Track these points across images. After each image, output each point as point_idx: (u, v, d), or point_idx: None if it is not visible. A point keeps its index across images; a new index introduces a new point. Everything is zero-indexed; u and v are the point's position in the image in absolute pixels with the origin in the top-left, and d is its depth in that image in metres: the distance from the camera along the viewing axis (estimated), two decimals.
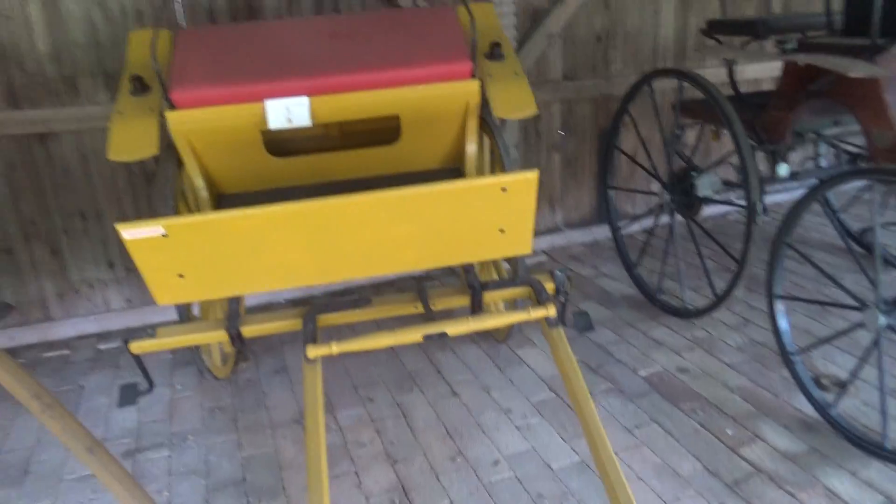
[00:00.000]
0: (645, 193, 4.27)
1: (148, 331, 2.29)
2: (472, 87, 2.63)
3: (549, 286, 2.45)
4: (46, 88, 3.36)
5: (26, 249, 3.55)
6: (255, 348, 3.34)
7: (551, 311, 2.28)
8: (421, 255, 2.23)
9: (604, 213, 4.41)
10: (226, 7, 3.52)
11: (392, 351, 3.21)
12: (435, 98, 2.63)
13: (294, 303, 3.88)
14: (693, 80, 3.05)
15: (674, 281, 3.73)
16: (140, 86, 2.67)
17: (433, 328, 2.21)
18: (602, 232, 4.60)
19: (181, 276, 2.10)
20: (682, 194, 3.36)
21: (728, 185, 3.27)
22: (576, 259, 4.31)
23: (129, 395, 2.39)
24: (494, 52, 2.82)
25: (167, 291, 2.14)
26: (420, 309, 2.40)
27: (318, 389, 2.11)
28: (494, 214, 2.14)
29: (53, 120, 3.37)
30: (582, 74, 4.32)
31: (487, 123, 2.93)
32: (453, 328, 2.22)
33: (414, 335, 2.20)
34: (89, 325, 3.68)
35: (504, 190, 2.07)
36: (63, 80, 3.38)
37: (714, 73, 4.46)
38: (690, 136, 4.08)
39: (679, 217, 3.44)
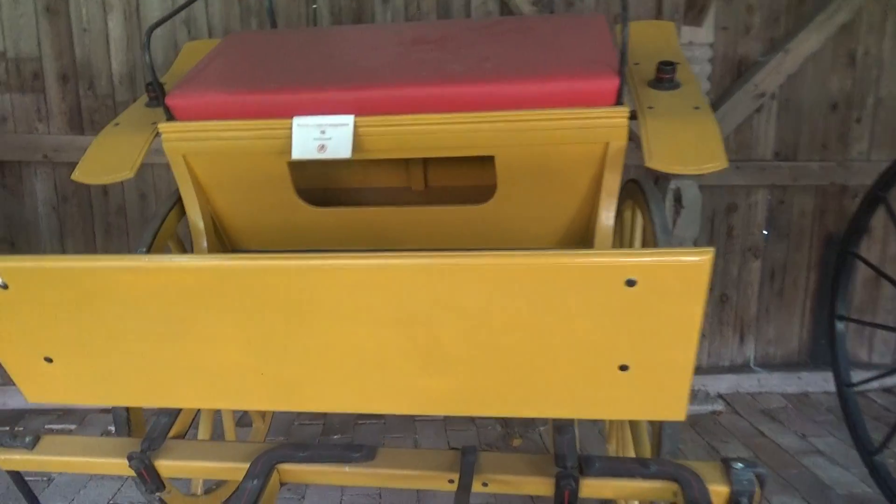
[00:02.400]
0: None
1: (26, 438, 1.44)
2: (615, 116, 1.59)
3: (720, 491, 1.24)
4: (114, 113, 2.86)
5: None
6: None
7: None
8: (461, 394, 1.17)
9: (824, 354, 3.00)
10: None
11: None
12: (551, 131, 1.62)
13: None
14: None
15: None
16: (157, 98, 1.95)
17: None
18: (817, 382, 3.15)
19: (49, 360, 1.23)
20: None
21: None
22: (772, 417, 2.91)
23: None
24: (663, 76, 1.76)
25: (33, 382, 1.30)
26: (454, 486, 1.30)
27: None
28: (610, 334, 1.05)
29: None
30: (804, 154, 3.05)
31: (639, 186, 1.83)
32: None
33: None
34: None
35: (631, 284, 0.97)
36: None
37: None
38: None
39: None
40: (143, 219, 2.96)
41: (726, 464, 1.26)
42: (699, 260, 0.95)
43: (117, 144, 1.83)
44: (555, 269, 1.00)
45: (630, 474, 1.27)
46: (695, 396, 3.00)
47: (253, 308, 1.11)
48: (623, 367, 1.10)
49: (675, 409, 1.14)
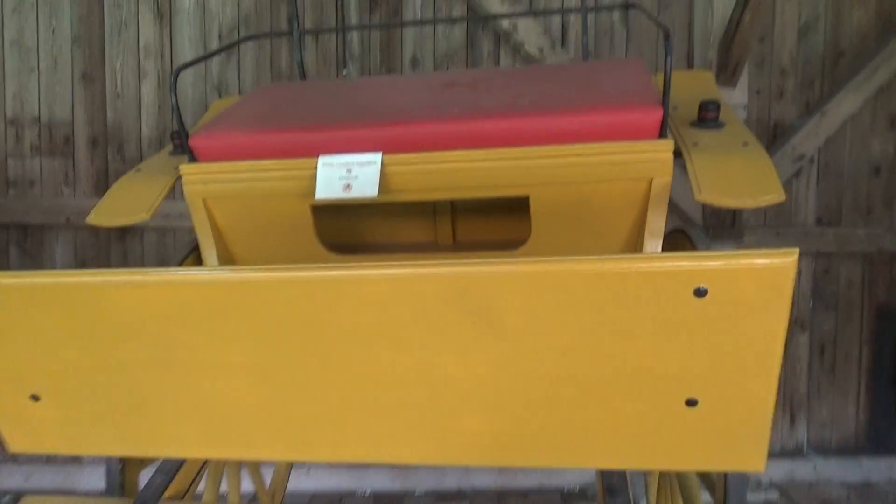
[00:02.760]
0: None
1: (5, 497, 1.29)
2: (659, 150, 1.49)
3: None
4: None
5: None
6: None
7: None
8: (500, 436, 1.01)
9: (886, 438, 2.74)
10: None
11: None
12: (590, 166, 1.52)
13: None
14: None
15: None
16: (182, 146, 1.91)
17: None
18: (881, 469, 2.86)
19: (35, 398, 1.10)
20: None
21: None
22: None
23: None
24: (707, 115, 1.67)
25: (18, 425, 1.16)
26: None
27: None
28: (675, 359, 0.90)
29: None
30: (848, 220, 2.92)
31: (686, 234, 1.70)
32: None
33: None
34: None
35: (701, 294, 0.83)
36: None
37: None
38: None
39: None
40: None
41: None
42: (781, 263, 0.82)
43: (136, 188, 1.77)
44: (610, 277, 0.87)
45: None
46: None
47: (264, 330, 0.99)
48: (691, 402, 0.94)
49: (753, 456, 0.97)
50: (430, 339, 0.95)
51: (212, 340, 1.01)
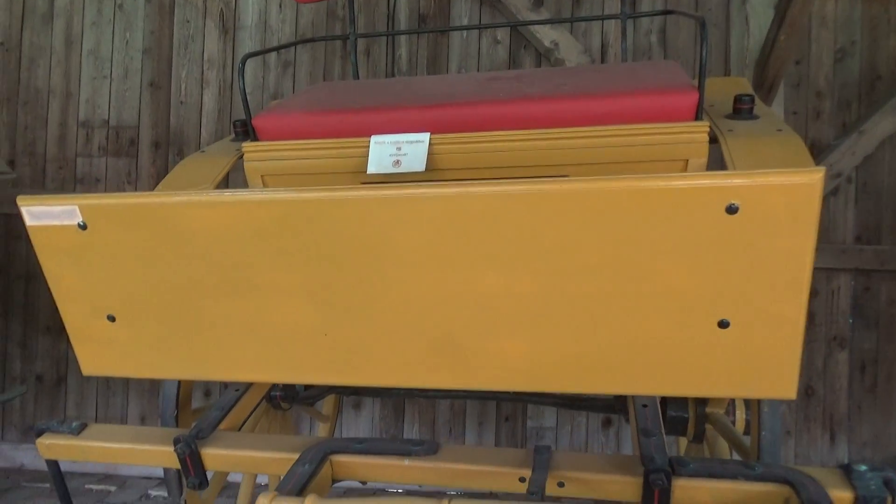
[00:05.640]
0: None
1: (73, 424, 1.38)
2: (694, 131, 1.57)
3: (842, 497, 1.05)
4: None
5: None
6: None
7: None
8: (537, 361, 1.08)
9: None
10: None
11: None
12: (628, 147, 1.60)
13: None
14: None
15: None
16: (243, 132, 2.06)
17: None
18: None
19: (112, 318, 1.20)
20: None
21: None
22: None
23: None
24: (741, 107, 1.75)
25: (93, 346, 1.26)
26: (525, 485, 1.16)
27: None
28: (708, 278, 0.96)
29: None
30: (888, 238, 2.92)
31: None
32: None
33: None
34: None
35: (733, 211, 0.91)
36: None
37: None
38: None
39: None
40: None
41: (847, 469, 1.08)
42: (809, 180, 0.88)
43: (200, 166, 1.91)
44: (648, 195, 0.94)
45: (732, 475, 1.10)
46: None
47: (320, 250, 1.08)
48: (723, 324, 0.99)
49: (783, 382, 1.01)
50: (475, 258, 1.02)
51: (273, 261, 1.10)
